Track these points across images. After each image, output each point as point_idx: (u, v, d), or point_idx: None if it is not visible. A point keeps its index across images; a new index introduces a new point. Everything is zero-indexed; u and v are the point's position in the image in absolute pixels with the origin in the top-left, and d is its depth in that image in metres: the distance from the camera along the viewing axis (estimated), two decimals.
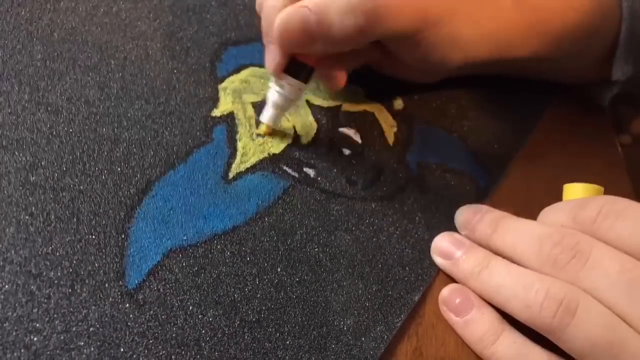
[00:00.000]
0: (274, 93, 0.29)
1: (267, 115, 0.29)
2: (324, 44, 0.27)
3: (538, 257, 0.24)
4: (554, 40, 0.32)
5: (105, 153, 0.27)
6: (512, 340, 0.24)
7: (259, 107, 0.31)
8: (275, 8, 0.27)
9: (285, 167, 0.29)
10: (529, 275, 0.24)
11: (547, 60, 0.33)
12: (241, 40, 0.34)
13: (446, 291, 0.27)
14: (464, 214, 0.29)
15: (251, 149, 0.29)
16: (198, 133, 0.29)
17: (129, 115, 0.28)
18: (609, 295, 0.22)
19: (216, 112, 0.30)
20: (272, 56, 0.28)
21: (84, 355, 0.21)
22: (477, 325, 0.25)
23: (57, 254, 0.23)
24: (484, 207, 0.29)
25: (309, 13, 0.26)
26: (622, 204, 0.24)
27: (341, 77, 0.31)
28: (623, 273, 0.22)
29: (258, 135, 0.30)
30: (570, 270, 0.23)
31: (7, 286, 0.22)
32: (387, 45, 0.30)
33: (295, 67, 0.28)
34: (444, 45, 0.29)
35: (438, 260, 0.28)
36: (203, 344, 0.23)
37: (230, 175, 0.28)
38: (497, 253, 0.27)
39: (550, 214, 0.27)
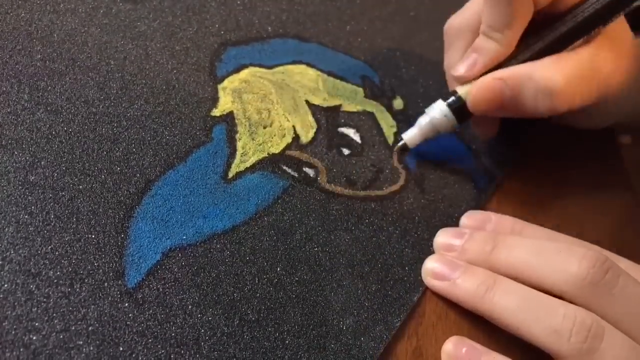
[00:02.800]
0: (426, 118, 0.31)
1: (409, 134, 0.31)
2: (511, 113, 0.29)
3: (564, 273, 0.24)
4: None
5: (105, 153, 0.27)
6: None
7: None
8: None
9: (284, 167, 0.29)
10: (547, 298, 0.24)
11: None
12: (241, 40, 0.34)
13: (450, 344, 0.25)
14: (443, 237, 0.28)
15: (251, 148, 0.29)
16: (198, 133, 0.29)
17: (129, 115, 0.28)
18: (633, 323, 0.23)
19: (216, 112, 0.30)
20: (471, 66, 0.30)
21: (83, 354, 0.21)
22: None
23: (57, 253, 0.23)
24: (466, 229, 0.28)
25: (505, 87, 0.28)
26: (616, 256, 0.26)
27: (494, 127, 0.33)
28: None
29: (398, 150, 0.32)
30: (605, 287, 0.23)
31: (6, 285, 0.22)
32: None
33: (458, 107, 0.30)
34: (610, 107, 0.31)
35: (433, 282, 0.27)
36: (202, 343, 0.23)
37: (230, 174, 0.28)
38: (500, 272, 0.26)
39: (546, 237, 0.28)
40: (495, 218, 0.29)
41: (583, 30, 0.28)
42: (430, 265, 0.27)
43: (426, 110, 0.31)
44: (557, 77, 0.27)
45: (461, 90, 0.30)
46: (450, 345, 0.25)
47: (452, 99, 0.30)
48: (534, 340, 0.23)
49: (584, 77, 0.28)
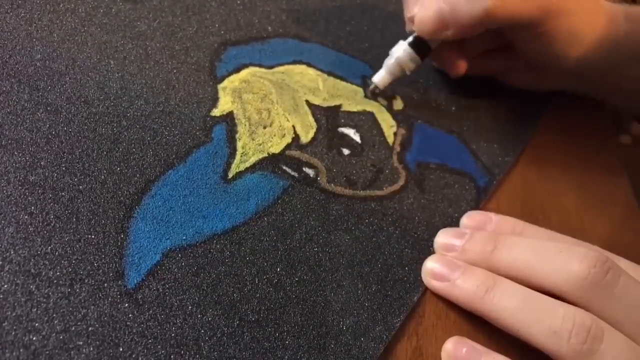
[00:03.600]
0: (391, 58, 0.34)
1: (378, 76, 0.34)
2: (455, 29, 0.31)
3: (565, 272, 0.24)
4: None
5: (105, 153, 0.27)
6: None
7: None
8: None
9: (284, 167, 0.29)
10: (547, 299, 0.24)
11: None
12: (241, 40, 0.34)
13: (450, 344, 0.25)
14: (444, 237, 0.28)
15: (251, 148, 0.29)
16: (197, 133, 0.29)
17: (129, 115, 0.28)
18: (634, 323, 0.23)
19: (216, 112, 0.30)
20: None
21: (83, 355, 0.21)
22: None
23: (56, 253, 0.23)
24: (467, 230, 0.28)
25: (442, 4, 0.31)
26: (616, 257, 0.26)
27: (462, 65, 0.34)
28: None
29: (371, 93, 0.34)
30: (605, 287, 0.23)
31: (6, 286, 0.22)
32: (510, 36, 0.34)
33: (418, 43, 0.33)
34: (562, 39, 0.32)
35: (432, 283, 0.27)
36: (202, 344, 0.23)
37: (230, 175, 0.28)
38: (500, 272, 0.26)
39: (546, 237, 0.28)
40: (496, 218, 0.29)
41: None
42: (430, 265, 0.27)
43: (390, 52, 0.34)
44: None
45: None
46: (450, 345, 0.25)
47: (411, 37, 0.33)
48: (533, 341, 0.23)
49: None
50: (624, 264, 0.26)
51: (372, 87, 0.34)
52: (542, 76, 0.37)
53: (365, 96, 0.34)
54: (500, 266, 0.26)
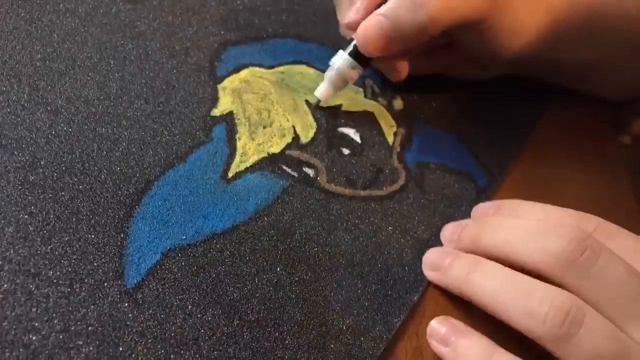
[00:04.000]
0: (332, 69, 0.31)
1: (320, 90, 0.32)
2: (402, 42, 0.29)
3: (542, 251, 0.23)
4: (608, 46, 0.33)
5: (105, 152, 0.27)
6: None
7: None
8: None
9: (284, 167, 0.29)
10: (528, 281, 0.23)
11: (596, 69, 0.34)
12: (241, 40, 0.34)
13: (433, 322, 0.25)
14: (448, 229, 0.29)
15: (250, 148, 0.29)
16: (197, 132, 0.29)
17: (129, 114, 0.28)
18: (613, 304, 0.22)
19: (216, 112, 0.30)
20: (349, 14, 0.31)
21: (82, 355, 0.21)
22: (466, 351, 0.24)
23: (56, 253, 0.23)
24: (468, 220, 0.29)
25: (383, 19, 0.29)
26: (613, 226, 0.25)
27: (403, 68, 0.32)
28: (631, 277, 0.22)
29: (315, 108, 0.32)
30: (581, 266, 0.23)
31: (5, 285, 0.22)
32: (454, 34, 0.32)
33: (358, 51, 0.30)
34: (506, 32, 0.31)
35: (429, 274, 0.27)
36: (202, 344, 0.23)
37: (230, 174, 0.28)
38: (488, 255, 0.26)
39: (536, 213, 0.27)
40: (498, 203, 0.30)
41: None
42: (427, 256, 0.28)
43: (330, 62, 0.31)
44: None
45: (356, 36, 0.30)
46: (434, 323, 0.25)
47: (350, 46, 0.31)
48: (512, 323, 0.23)
49: None
50: (622, 235, 0.25)
51: (314, 102, 0.32)
52: (484, 67, 0.35)
53: (365, 96, 0.34)
54: (488, 249, 0.26)
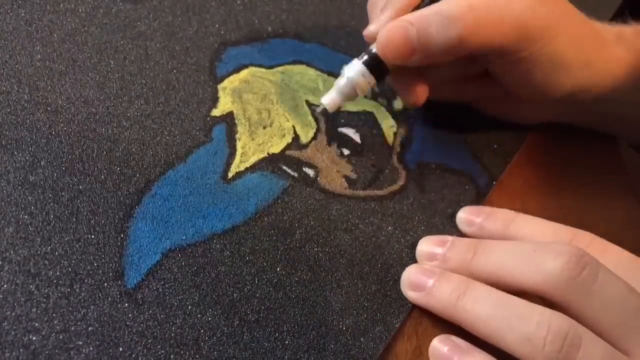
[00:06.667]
0: (343, 79, 0.29)
1: (328, 97, 0.29)
2: (424, 55, 0.27)
3: (540, 272, 0.23)
4: None
5: (105, 153, 0.27)
6: None
7: None
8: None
9: (284, 167, 0.29)
10: (522, 304, 0.23)
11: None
12: (241, 40, 0.34)
13: (435, 342, 0.25)
14: (425, 245, 0.28)
15: (251, 148, 0.29)
16: (197, 133, 0.29)
17: (129, 115, 0.28)
18: (613, 322, 0.22)
19: (216, 112, 0.30)
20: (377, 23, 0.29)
21: (82, 355, 0.21)
22: None
23: (56, 253, 0.23)
24: (448, 237, 0.28)
25: (410, 26, 0.27)
26: (606, 242, 0.25)
27: (421, 93, 0.30)
28: (631, 294, 0.22)
29: (320, 114, 0.31)
30: (582, 284, 0.22)
31: (5, 285, 0.22)
32: (490, 66, 0.30)
33: (375, 62, 0.29)
34: (547, 65, 0.28)
35: (410, 294, 0.26)
36: (202, 344, 0.23)
37: (230, 174, 0.28)
38: (482, 280, 0.25)
39: (530, 228, 0.27)
40: (489, 210, 0.29)
41: None
42: (406, 275, 0.27)
43: (342, 70, 0.29)
44: (462, 3, 0.26)
45: (375, 47, 0.29)
46: (435, 343, 0.25)
47: (366, 56, 0.29)
48: (508, 349, 0.22)
49: (491, 6, 0.26)
50: (613, 252, 0.25)
51: (319, 109, 0.30)
52: (524, 107, 0.34)
53: (365, 96, 0.34)
54: (480, 273, 0.25)
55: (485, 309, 0.23)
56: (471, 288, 0.24)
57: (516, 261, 0.24)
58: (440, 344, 0.24)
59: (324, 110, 0.30)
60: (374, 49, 0.29)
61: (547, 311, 0.22)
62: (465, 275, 0.25)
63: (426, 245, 0.28)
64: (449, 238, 0.27)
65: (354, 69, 0.29)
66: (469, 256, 0.26)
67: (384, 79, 0.30)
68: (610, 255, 0.24)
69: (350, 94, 0.29)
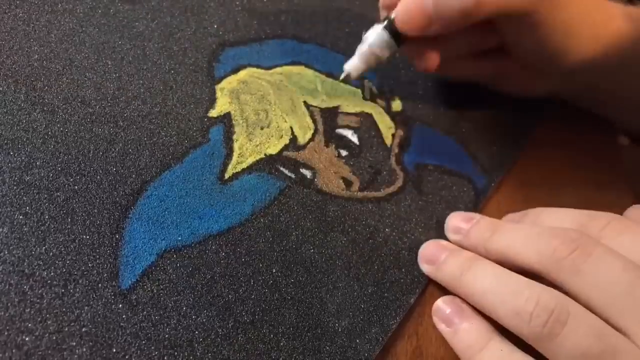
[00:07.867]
0: (365, 45, 0.31)
1: (350, 63, 0.31)
2: (442, 24, 0.29)
3: (537, 252, 0.24)
4: None
5: (101, 153, 0.26)
6: (499, 349, 0.23)
7: None
8: None
9: (281, 168, 0.29)
10: (517, 280, 0.24)
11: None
12: (239, 40, 0.34)
13: (440, 302, 0.26)
14: (454, 220, 0.29)
15: (248, 149, 0.29)
16: (194, 133, 0.29)
17: (125, 115, 0.28)
18: (605, 300, 0.22)
19: (213, 113, 0.30)
20: None
21: (76, 356, 0.21)
22: (465, 334, 0.25)
23: (51, 253, 0.23)
24: (477, 215, 0.29)
25: None
26: (628, 222, 0.25)
27: (433, 59, 0.31)
28: (626, 272, 0.22)
29: (342, 81, 0.32)
30: (571, 263, 0.23)
31: None
32: (502, 31, 0.31)
33: (395, 28, 0.30)
34: (559, 33, 0.30)
35: (424, 267, 0.28)
36: (196, 345, 0.23)
37: (226, 175, 0.28)
38: (493, 258, 0.26)
39: (553, 217, 0.27)
40: (524, 211, 0.29)
41: None
42: (423, 249, 0.28)
43: (363, 37, 0.31)
44: None
45: (394, 13, 0.30)
46: (440, 303, 0.26)
47: (386, 21, 0.30)
48: (501, 322, 0.24)
49: None
50: (634, 229, 0.25)
51: (343, 75, 0.32)
52: (536, 80, 0.35)
53: (364, 98, 0.34)
54: (493, 251, 0.26)
55: (484, 283, 0.24)
56: (475, 264, 0.26)
57: (522, 242, 0.25)
58: (444, 305, 0.26)
59: (347, 77, 0.31)
60: (393, 14, 0.30)
61: (539, 287, 0.23)
62: (481, 251, 0.27)
63: (455, 220, 0.29)
64: (477, 216, 0.29)
65: (374, 34, 0.30)
66: (487, 234, 0.27)
67: (404, 42, 0.31)
68: (628, 234, 0.24)
69: (372, 60, 0.31)
